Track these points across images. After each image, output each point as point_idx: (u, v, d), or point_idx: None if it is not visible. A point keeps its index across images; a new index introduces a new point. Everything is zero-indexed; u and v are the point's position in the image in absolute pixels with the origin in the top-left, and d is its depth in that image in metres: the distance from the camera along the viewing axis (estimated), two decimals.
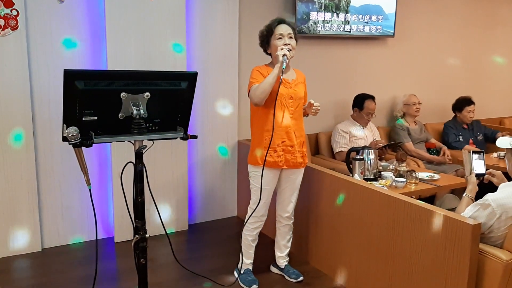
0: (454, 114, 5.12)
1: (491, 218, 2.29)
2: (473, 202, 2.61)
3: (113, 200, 3.70)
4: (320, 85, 4.60)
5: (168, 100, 2.23)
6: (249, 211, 2.99)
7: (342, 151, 4.31)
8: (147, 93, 2.12)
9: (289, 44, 2.78)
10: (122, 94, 2.07)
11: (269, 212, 3.07)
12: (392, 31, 4.81)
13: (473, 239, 2.23)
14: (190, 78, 2.25)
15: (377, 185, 3.15)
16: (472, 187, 2.64)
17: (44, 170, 3.49)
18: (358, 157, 3.34)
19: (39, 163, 3.47)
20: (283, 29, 2.81)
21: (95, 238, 3.75)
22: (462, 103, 4.99)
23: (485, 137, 5.10)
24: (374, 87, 4.85)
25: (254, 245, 3.08)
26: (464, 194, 2.64)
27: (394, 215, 2.61)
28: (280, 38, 2.80)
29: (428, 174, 3.56)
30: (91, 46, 3.50)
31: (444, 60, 5.47)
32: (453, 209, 2.69)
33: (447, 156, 4.57)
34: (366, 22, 4.63)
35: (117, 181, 3.62)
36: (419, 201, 2.55)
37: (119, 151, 3.58)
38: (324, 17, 4.38)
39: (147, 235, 2.24)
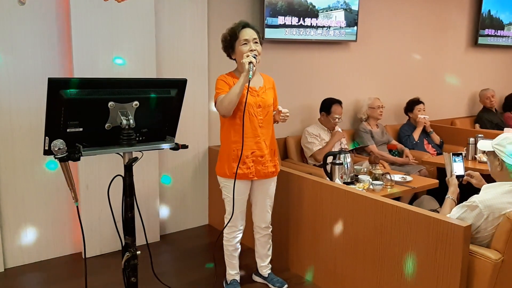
0: (408, 118, 5.32)
1: (478, 219, 2.34)
2: (455, 203, 2.68)
3: (81, 213, 3.49)
4: (286, 89, 4.59)
5: (156, 109, 2.13)
6: (226, 222, 2.91)
7: (319, 149, 4.30)
8: (136, 102, 2.02)
9: (255, 50, 2.67)
10: (110, 103, 1.95)
11: (246, 221, 3.01)
12: (355, 36, 4.89)
13: (464, 241, 2.27)
14: (180, 85, 2.18)
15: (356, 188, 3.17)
16: (454, 189, 2.71)
17: (5, 184, 3.24)
18: (337, 161, 3.34)
19: (0, 177, 3.21)
20: (248, 34, 2.70)
21: (64, 255, 3.55)
22: (412, 104, 5.28)
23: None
24: (337, 91, 4.90)
25: (236, 255, 2.99)
26: (446, 196, 2.70)
27: (382, 218, 2.63)
28: (245, 43, 2.68)
29: (400, 176, 3.63)
30: (56, 50, 3.29)
31: (401, 64, 5.63)
32: (434, 211, 2.75)
33: (411, 157, 4.71)
34: (330, 27, 4.68)
35: (84, 193, 3.43)
36: (408, 204, 2.58)
37: (86, 161, 3.38)
38: (292, 22, 4.37)
39: (138, 252, 2.13)
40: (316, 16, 4.50)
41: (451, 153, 2.81)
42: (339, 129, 4.49)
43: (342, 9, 4.66)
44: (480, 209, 2.33)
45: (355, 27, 4.85)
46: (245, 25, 2.73)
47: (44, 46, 3.25)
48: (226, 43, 2.78)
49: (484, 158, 4.19)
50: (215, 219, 4.20)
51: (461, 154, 2.83)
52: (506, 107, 6.37)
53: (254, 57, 2.63)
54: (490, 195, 2.36)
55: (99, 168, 3.45)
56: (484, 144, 2.51)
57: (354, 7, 4.76)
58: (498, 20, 6.44)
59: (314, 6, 4.48)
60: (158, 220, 3.84)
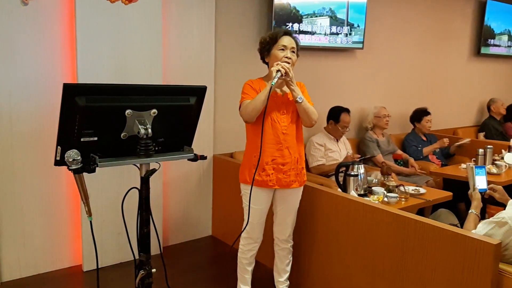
0: (413, 127, 5.24)
1: (507, 236, 2.24)
2: (479, 218, 2.58)
3: (81, 224, 3.34)
4: None
5: (174, 117, 2.00)
6: (243, 233, 2.80)
7: (319, 164, 4.22)
8: (154, 110, 1.89)
9: (290, 58, 2.62)
10: (127, 111, 1.82)
11: (266, 237, 2.88)
12: (361, 44, 4.81)
13: (494, 259, 2.17)
14: (199, 93, 2.04)
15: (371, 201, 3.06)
16: (477, 203, 2.61)
17: (3, 193, 3.08)
18: (352, 173, 3.23)
19: None
20: (287, 41, 2.66)
21: (63, 267, 3.40)
22: (421, 114, 5.16)
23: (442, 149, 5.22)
24: (343, 99, 4.81)
25: (250, 269, 2.87)
26: (469, 211, 2.60)
27: (404, 234, 2.52)
28: (282, 49, 2.64)
29: (413, 188, 3.53)
30: (60, 54, 3.15)
31: (405, 72, 5.56)
32: (454, 226, 2.65)
33: (417, 168, 4.62)
34: (337, 34, 4.59)
35: None
36: (432, 220, 2.47)
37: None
38: (299, 28, 4.27)
39: (153, 270, 1.99)
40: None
41: (473, 166, 2.72)
42: (350, 152, 4.38)
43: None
44: (509, 226, 2.23)
45: (362, 35, 4.76)
46: (287, 33, 2.70)
47: (47, 50, 3.11)
48: (264, 45, 2.72)
49: (494, 169, 4.12)
50: (219, 230, 4.06)
51: (483, 167, 2.73)
52: (507, 117, 6.32)
53: (285, 68, 2.55)
54: None
55: (102, 177, 3.29)
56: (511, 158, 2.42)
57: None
58: (489, 28, 6.39)
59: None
60: (161, 231, 3.70)
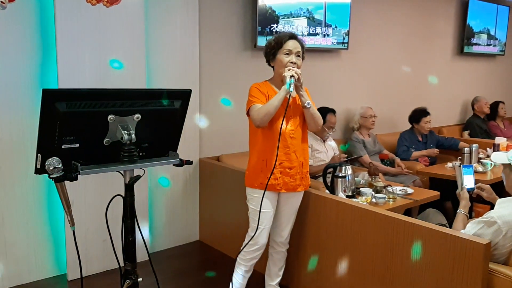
0: (411, 126, 5.16)
1: (497, 235, 2.24)
2: (467, 218, 2.58)
3: (65, 232, 3.26)
4: None
5: (159, 122, 1.96)
6: (247, 239, 2.75)
7: None
8: (138, 115, 1.84)
9: (295, 63, 2.61)
10: (110, 116, 1.77)
11: None
12: (346, 44, 4.80)
13: (484, 259, 2.16)
14: (184, 96, 2.00)
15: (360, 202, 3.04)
16: (465, 203, 2.60)
17: None
18: (340, 174, 3.20)
19: None
20: (292, 45, 2.64)
21: (47, 277, 3.32)
22: (420, 114, 5.05)
23: (439, 146, 5.16)
24: (329, 100, 4.79)
25: (247, 276, 2.83)
26: (458, 210, 2.59)
27: (393, 235, 2.50)
28: (287, 54, 2.62)
29: (400, 188, 3.52)
30: (39, 58, 3.08)
31: (390, 72, 5.58)
32: (442, 226, 2.64)
33: (403, 167, 4.61)
34: (315, 35, 4.56)
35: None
36: (421, 220, 2.46)
37: None
38: (283, 30, 4.24)
39: (140, 279, 1.94)
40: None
41: (461, 165, 2.71)
42: (336, 153, 4.35)
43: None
44: (498, 225, 2.22)
45: (347, 35, 4.76)
46: (292, 36, 2.68)
47: (26, 54, 3.03)
48: (269, 49, 2.70)
49: (480, 168, 4.14)
50: (207, 235, 4.01)
51: (471, 166, 2.73)
52: (490, 115, 6.37)
53: (298, 73, 2.55)
54: (508, 210, 2.25)
55: (85, 183, 3.23)
56: (498, 157, 2.42)
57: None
58: (468, 27, 6.42)
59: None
60: (148, 238, 3.63)
